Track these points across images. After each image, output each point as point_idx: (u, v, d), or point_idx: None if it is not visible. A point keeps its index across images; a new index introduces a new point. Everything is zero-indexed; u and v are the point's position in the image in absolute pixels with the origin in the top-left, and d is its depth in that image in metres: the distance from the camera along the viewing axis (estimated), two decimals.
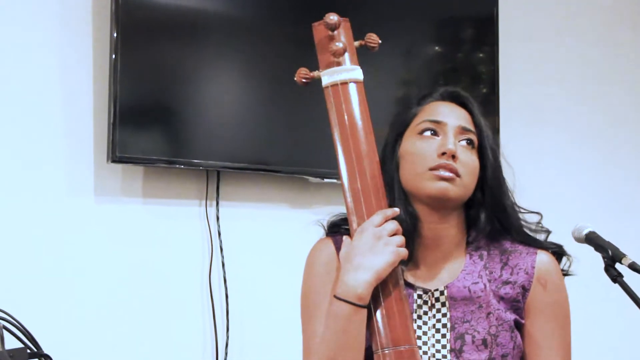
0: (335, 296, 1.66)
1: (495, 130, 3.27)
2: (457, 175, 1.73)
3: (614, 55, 3.90)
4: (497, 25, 3.42)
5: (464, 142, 1.77)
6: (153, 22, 2.78)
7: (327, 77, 1.79)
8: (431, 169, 1.74)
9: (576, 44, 3.80)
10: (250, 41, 2.94)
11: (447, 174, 1.73)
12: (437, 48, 3.34)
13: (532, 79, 3.66)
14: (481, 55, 3.40)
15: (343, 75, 1.79)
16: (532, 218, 1.85)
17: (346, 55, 1.79)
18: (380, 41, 1.81)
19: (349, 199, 1.75)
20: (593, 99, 3.81)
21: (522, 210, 1.83)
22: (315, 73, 1.81)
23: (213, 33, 2.88)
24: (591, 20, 3.85)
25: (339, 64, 1.79)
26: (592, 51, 3.84)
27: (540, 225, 1.85)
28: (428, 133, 1.77)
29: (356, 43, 1.82)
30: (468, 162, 1.76)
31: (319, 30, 1.82)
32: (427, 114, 1.80)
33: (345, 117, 1.77)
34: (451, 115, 1.79)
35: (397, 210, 1.72)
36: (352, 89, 1.79)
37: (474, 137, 1.78)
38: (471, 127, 1.79)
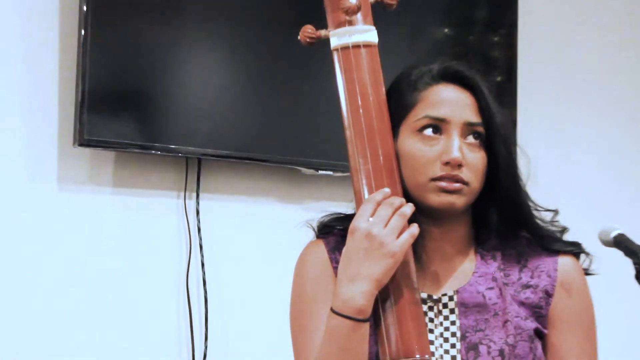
0: (332, 310, 1.65)
1: (513, 123, 3.23)
2: (465, 183, 1.71)
3: None
4: (517, 3, 3.40)
5: (470, 138, 1.74)
6: None
7: (337, 38, 1.75)
8: (434, 179, 1.72)
9: (605, 25, 3.79)
10: (236, 14, 2.93)
11: (453, 185, 1.71)
12: (446, 30, 3.32)
13: (555, 65, 3.63)
14: (497, 38, 3.37)
15: (355, 36, 1.75)
16: (547, 215, 1.84)
17: (359, 14, 1.75)
18: None
19: (358, 183, 1.72)
20: (624, 87, 3.81)
21: (539, 208, 1.81)
22: (323, 32, 1.78)
23: (195, 4, 2.88)
24: None
25: (351, 23, 1.75)
26: (622, 33, 3.83)
27: (557, 222, 1.83)
28: (429, 131, 1.74)
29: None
30: (475, 163, 1.73)
31: None
32: (427, 106, 1.75)
33: (357, 85, 1.74)
34: (455, 107, 1.75)
35: (387, 190, 1.69)
36: (365, 53, 1.75)
37: (481, 130, 1.75)
38: (478, 118, 1.75)
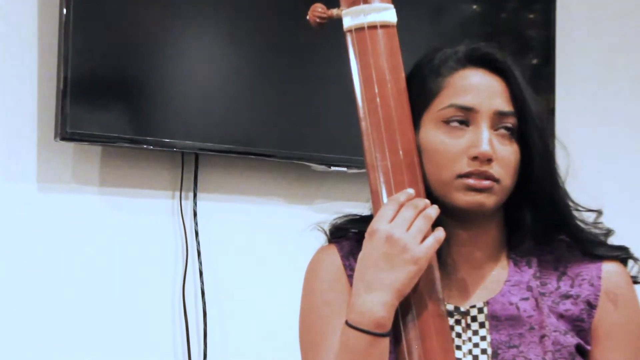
0: (347, 323, 1.63)
1: (550, 111, 3.24)
2: (495, 180, 1.69)
3: None
4: None
5: (501, 129, 1.71)
6: None
7: (351, 17, 1.73)
8: (460, 176, 1.69)
9: None
10: None
11: (482, 182, 1.69)
12: (474, 7, 3.31)
13: (598, 46, 3.64)
14: (532, 16, 3.38)
15: (371, 16, 1.72)
16: (589, 215, 1.81)
17: None
18: None
19: (375, 180, 1.70)
20: None
21: (579, 208, 1.78)
22: (335, 11, 1.75)
23: None
24: None
25: (366, 1, 1.72)
26: None
27: (600, 224, 1.80)
28: (455, 122, 1.71)
29: None
30: (507, 157, 1.70)
31: None
32: (452, 94, 1.72)
33: (373, 71, 1.71)
34: (484, 95, 1.72)
35: (411, 192, 1.68)
36: (383, 34, 1.73)
37: (513, 120, 1.72)
38: (509, 107, 1.72)
